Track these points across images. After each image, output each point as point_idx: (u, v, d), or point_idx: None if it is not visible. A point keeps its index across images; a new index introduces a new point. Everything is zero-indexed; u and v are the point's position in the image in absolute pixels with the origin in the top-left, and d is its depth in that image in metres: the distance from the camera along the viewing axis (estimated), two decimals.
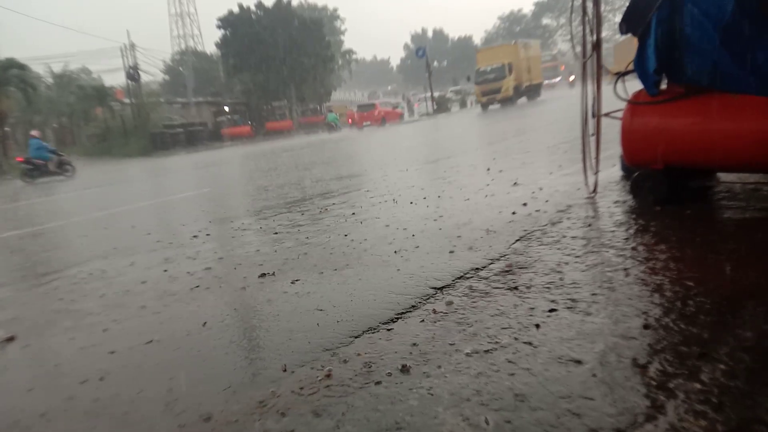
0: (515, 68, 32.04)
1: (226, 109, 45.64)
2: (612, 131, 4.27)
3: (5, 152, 31.96)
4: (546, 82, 55.16)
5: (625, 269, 2.69)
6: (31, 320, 3.29)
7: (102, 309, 3.27)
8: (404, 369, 1.99)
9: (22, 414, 2.10)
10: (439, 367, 1.97)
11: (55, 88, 42.51)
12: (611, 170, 5.05)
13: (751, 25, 3.21)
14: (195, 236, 5.14)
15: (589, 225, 3.63)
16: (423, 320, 2.42)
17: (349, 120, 39.33)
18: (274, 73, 46.25)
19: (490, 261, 3.12)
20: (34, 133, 20.94)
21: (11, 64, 32.59)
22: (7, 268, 5.16)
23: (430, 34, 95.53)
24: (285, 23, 46.45)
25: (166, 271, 3.99)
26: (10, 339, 2.96)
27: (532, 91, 34.99)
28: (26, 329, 3.11)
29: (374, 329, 2.40)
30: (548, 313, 2.29)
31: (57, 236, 6.78)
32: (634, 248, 3.03)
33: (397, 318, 2.49)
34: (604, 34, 4.67)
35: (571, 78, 54.42)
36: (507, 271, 2.91)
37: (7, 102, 33.59)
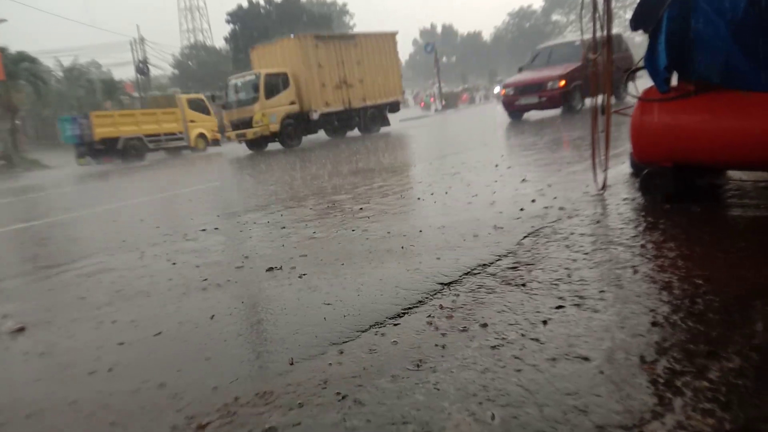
0: (299, 82, 18.77)
1: None
2: (622, 128, 4.24)
3: (16, 145, 32.21)
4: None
5: (634, 267, 2.68)
6: (41, 311, 3.32)
7: (111, 301, 3.30)
8: (411, 364, 2.00)
9: (30, 405, 2.12)
10: (446, 362, 1.97)
11: (65, 81, 42.72)
12: (620, 167, 5.02)
13: (764, 23, 3.18)
14: (203, 229, 5.17)
15: (598, 222, 3.62)
16: (430, 316, 2.42)
17: None
18: None
19: (498, 257, 3.12)
20: None
21: (22, 57, 32.82)
22: (18, 259, 5.20)
23: (439, 29, 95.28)
24: (294, 18, 46.45)
25: (174, 264, 4.01)
26: (20, 330, 2.99)
27: (368, 119, 21.05)
28: (35, 320, 3.14)
29: (381, 324, 2.41)
30: (555, 310, 2.29)
31: (68, 228, 6.83)
32: (642, 246, 3.02)
33: (404, 313, 2.49)
34: (614, 30, 4.63)
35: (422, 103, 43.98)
36: (514, 268, 2.91)
37: (18, 95, 33.84)
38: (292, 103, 18.74)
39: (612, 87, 15.54)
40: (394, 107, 22.69)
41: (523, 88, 14.81)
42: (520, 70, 16.12)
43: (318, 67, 19.21)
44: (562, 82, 13.88)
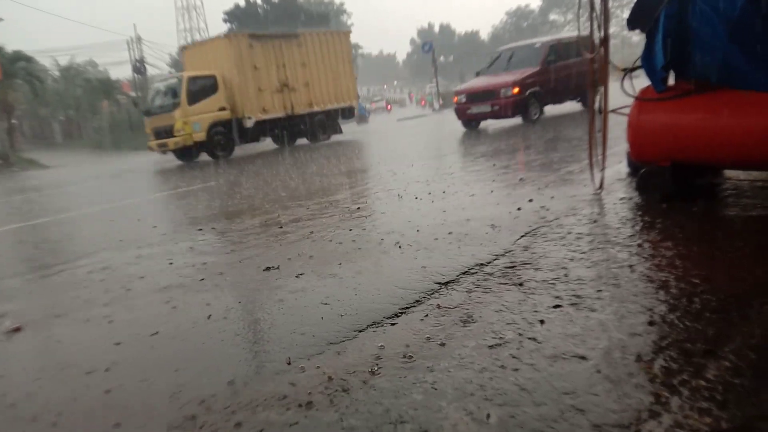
0: (231, 87, 16.55)
1: None
2: (619, 128, 4.25)
3: (12, 144, 32.12)
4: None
5: (631, 266, 2.68)
6: (38, 311, 3.31)
7: (108, 300, 3.29)
8: (408, 363, 2.00)
9: (28, 404, 2.12)
10: (443, 362, 1.97)
11: (62, 80, 42.61)
12: (618, 167, 5.03)
13: (761, 21, 3.19)
14: (200, 229, 5.16)
15: (595, 221, 3.62)
16: (427, 315, 2.42)
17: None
18: None
19: (495, 257, 3.12)
20: None
21: (18, 56, 32.72)
22: (15, 259, 5.19)
23: (436, 29, 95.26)
24: (291, 17, 46.40)
25: (171, 263, 4.00)
26: (17, 329, 2.98)
27: (316, 127, 18.84)
28: (33, 320, 3.13)
29: (378, 323, 2.40)
30: (553, 309, 2.29)
31: (65, 227, 6.81)
32: (639, 245, 3.02)
33: (401, 313, 2.49)
34: (611, 29, 4.64)
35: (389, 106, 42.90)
36: (511, 267, 2.91)
37: (14, 94, 33.74)
38: (222, 109, 16.49)
39: (579, 92, 13.52)
40: (348, 113, 20.37)
41: (475, 96, 13.27)
42: (478, 74, 14.91)
43: (253, 69, 17.02)
44: (516, 90, 12.56)
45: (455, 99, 14.09)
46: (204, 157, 16.89)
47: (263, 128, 17.59)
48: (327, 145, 17.45)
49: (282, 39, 18.18)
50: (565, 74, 13.35)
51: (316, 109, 18.71)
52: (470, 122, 13.77)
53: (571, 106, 14.86)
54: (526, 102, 12.71)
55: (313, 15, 48.72)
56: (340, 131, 20.12)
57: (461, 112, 13.68)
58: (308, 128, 18.73)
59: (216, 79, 16.52)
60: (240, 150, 18.30)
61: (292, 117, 18.19)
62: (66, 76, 42.94)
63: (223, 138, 16.64)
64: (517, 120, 13.34)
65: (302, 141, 19.56)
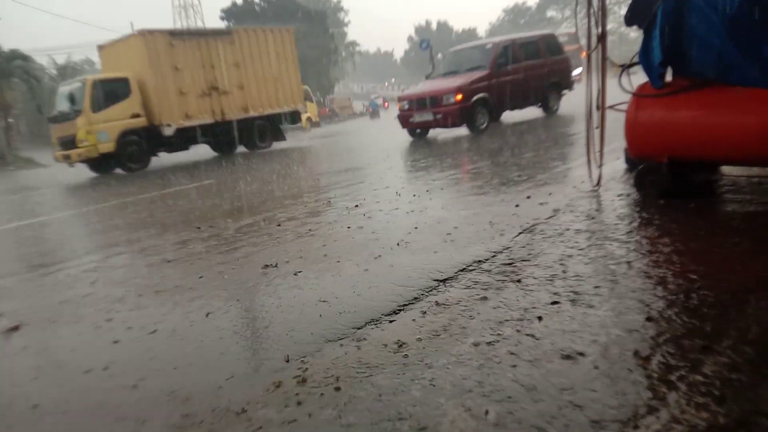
0: (147, 90, 14.61)
1: None
2: (616, 124, 4.25)
3: (9, 143, 32.05)
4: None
5: (629, 262, 2.69)
6: (35, 310, 3.30)
7: (106, 299, 3.28)
8: (407, 360, 2.00)
9: (26, 403, 2.11)
10: (442, 358, 1.98)
11: (59, 79, 42.48)
12: (615, 163, 5.03)
13: (759, 17, 3.19)
14: (198, 227, 5.15)
15: (593, 218, 3.63)
16: (425, 312, 2.42)
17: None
18: None
19: (493, 253, 3.12)
20: None
21: (15, 55, 32.60)
22: (13, 258, 5.18)
23: (434, 26, 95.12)
24: (288, 15, 46.29)
25: (169, 262, 4.00)
26: (15, 328, 2.97)
27: (255, 133, 16.93)
28: (30, 318, 3.12)
29: (377, 321, 2.41)
30: (551, 306, 2.29)
31: (64, 226, 6.80)
32: (637, 241, 3.03)
33: (400, 310, 2.49)
34: (609, 26, 4.64)
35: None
36: (510, 264, 2.91)
37: (11, 93, 33.64)
38: (136, 116, 14.47)
39: (540, 97, 12.87)
40: (294, 118, 18.43)
41: (418, 103, 11.85)
42: (427, 77, 13.48)
43: (174, 70, 14.98)
44: (458, 96, 11.16)
45: (399, 105, 12.60)
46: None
47: (188, 136, 15.50)
48: (267, 154, 15.50)
49: (210, 37, 16.21)
50: (522, 77, 12.25)
51: (253, 113, 16.70)
52: (416, 131, 12.40)
53: (534, 112, 13.58)
54: (471, 110, 11.26)
55: (310, 12, 48.64)
56: (283, 138, 18.04)
57: (404, 120, 12.25)
58: (245, 135, 16.70)
59: (128, 82, 14.48)
60: (166, 159, 16.24)
61: (224, 123, 16.09)
62: (63, 74, 42.80)
63: (138, 148, 14.58)
64: (464, 129, 11.90)
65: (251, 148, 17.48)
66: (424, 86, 12.71)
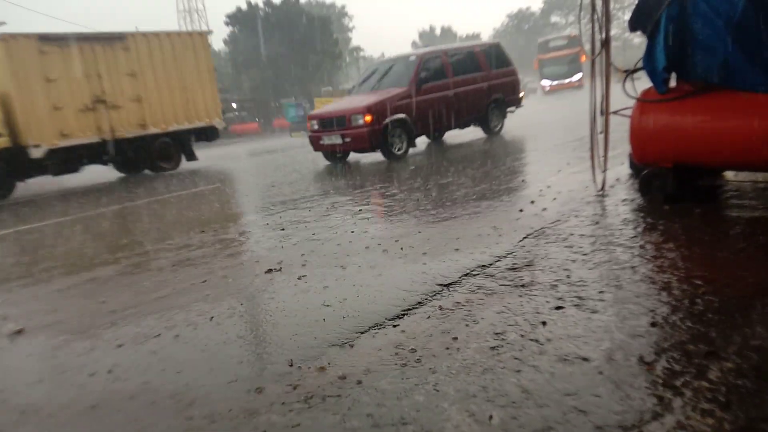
0: (10, 105, 12.12)
1: (234, 105, 45.72)
2: (621, 129, 4.25)
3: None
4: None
5: (633, 267, 2.68)
6: (40, 314, 3.31)
7: (110, 302, 3.29)
8: (410, 365, 2.00)
9: (31, 405, 2.12)
10: (445, 363, 1.97)
11: None
12: (620, 168, 5.02)
13: (763, 22, 3.19)
14: (203, 231, 5.16)
15: (597, 223, 3.62)
16: (429, 317, 2.42)
17: None
18: (282, 70, 46.30)
19: (497, 258, 3.12)
20: None
21: None
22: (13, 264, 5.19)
23: (438, 31, 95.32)
24: (293, 20, 46.47)
25: (174, 266, 4.00)
26: (20, 332, 2.98)
27: (157, 153, 14.21)
28: (35, 323, 3.13)
29: (380, 325, 2.40)
30: (555, 311, 2.29)
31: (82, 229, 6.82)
32: (642, 246, 3.02)
33: (404, 314, 2.49)
34: (613, 31, 4.64)
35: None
36: (514, 269, 2.91)
37: None
38: None
39: (480, 116, 10.99)
40: (209, 135, 15.83)
41: (326, 123, 10.00)
42: (350, 92, 11.78)
43: (45, 81, 12.55)
44: (368, 117, 9.32)
45: (308, 125, 10.84)
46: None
47: (68, 157, 12.82)
48: (171, 177, 12.76)
49: (97, 42, 13.54)
50: (454, 94, 10.50)
51: (153, 130, 14.08)
52: (332, 154, 10.36)
53: (475, 133, 11.84)
54: (384, 132, 9.38)
55: (314, 18, 48.80)
56: (194, 157, 15.17)
57: (314, 142, 10.35)
58: (144, 155, 13.98)
59: None
60: (47, 185, 13.56)
61: (114, 141, 13.39)
62: None
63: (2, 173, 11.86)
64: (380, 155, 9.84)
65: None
66: (337, 104, 11.07)
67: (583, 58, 33.05)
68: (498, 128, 11.54)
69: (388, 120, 9.39)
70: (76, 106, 12.98)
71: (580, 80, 34.00)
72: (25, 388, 2.31)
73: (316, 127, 10.29)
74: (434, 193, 5.55)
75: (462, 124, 11.10)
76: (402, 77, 10.24)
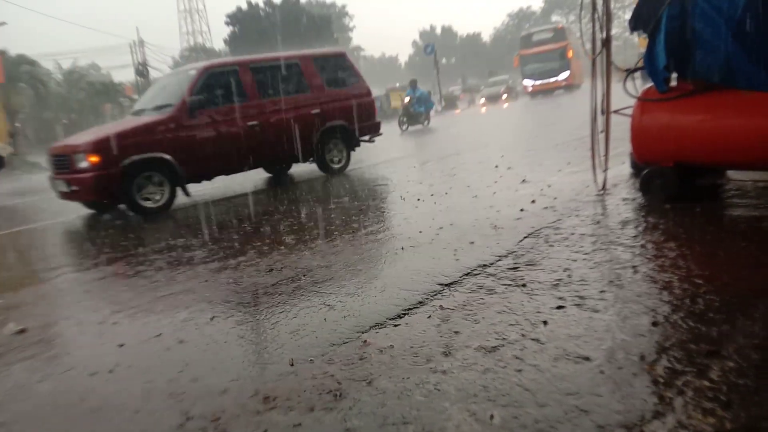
0: None
1: None
2: (621, 128, 4.24)
3: (16, 148, 32.23)
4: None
5: (634, 266, 2.68)
6: (42, 314, 3.32)
7: (111, 302, 3.29)
8: (411, 364, 1.99)
9: (32, 405, 2.12)
10: (446, 362, 1.97)
11: (65, 84, 42.76)
12: (620, 167, 5.02)
13: (764, 21, 3.18)
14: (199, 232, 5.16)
15: (598, 222, 3.62)
16: (430, 316, 2.42)
17: None
18: None
19: (498, 258, 3.12)
20: None
21: (22, 60, 32.89)
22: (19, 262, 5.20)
23: (438, 31, 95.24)
24: (293, 20, 46.47)
25: (172, 264, 4.00)
26: (22, 331, 2.98)
27: None
28: (37, 322, 3.13)
29: (381, 324, 2.40)
30: (556, 310, 2.29)
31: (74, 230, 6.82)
32: (643, 245, 3.02)
33: (404, 314, 2.49)
34: (613, 31, 4.64)
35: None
36: (515, 268, 2.90)
37: (18, 98, 33.88)
38: None
39: (311, 150, 7.63)
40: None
41: (56, 162, 6.89)
42: (134, 113, 8.01)
43: None
44: (94, 158, 6.30)
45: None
46: None
47: None
48: None
49: None
50: (259, 123, 7.45)
51: None
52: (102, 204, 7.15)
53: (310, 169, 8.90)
54: (120, 180, 6.31)
55: (314, 18, 48.80)
56: None
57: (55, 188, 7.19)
58: None
59: None
60: None
61: None
62: (69, 79, 43.07)
63: None
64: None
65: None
66: (93, 131, 7.60)
67: (571, 53, 29.96)
68: (341, 165, 8.58)
69: (128, 160, 6.34)
70: None
71: (567, 79, 30.11)
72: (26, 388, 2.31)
73: (51, 167, 7.12)
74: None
75: (275, 162, 8.58)
76: (171, 99, 7.20)
